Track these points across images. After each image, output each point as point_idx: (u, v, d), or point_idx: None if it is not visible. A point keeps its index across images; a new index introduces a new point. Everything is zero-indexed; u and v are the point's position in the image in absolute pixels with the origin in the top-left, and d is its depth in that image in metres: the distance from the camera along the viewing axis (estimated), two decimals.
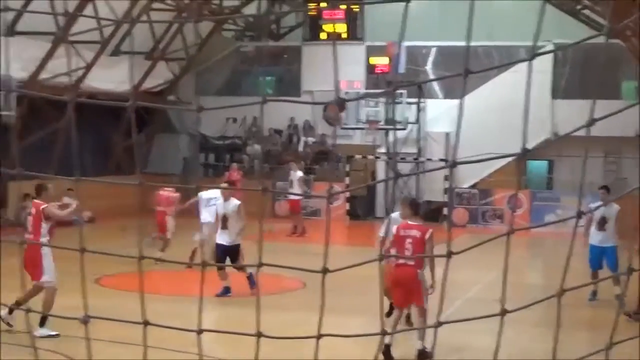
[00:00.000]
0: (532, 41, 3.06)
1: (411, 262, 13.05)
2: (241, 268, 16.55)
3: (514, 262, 3.50)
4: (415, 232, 13.20)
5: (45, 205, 14.28)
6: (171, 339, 11.36)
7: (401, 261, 13.03)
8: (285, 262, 3.62)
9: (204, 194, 19.60)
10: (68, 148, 31.36)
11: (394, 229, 13.39)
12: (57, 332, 12.70)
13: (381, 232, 15.18)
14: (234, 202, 17.39)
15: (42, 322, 13.00)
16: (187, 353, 10.36)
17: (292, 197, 30.87)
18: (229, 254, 16.60)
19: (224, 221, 17.11)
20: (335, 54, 3.37)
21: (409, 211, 13.74)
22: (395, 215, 14.79)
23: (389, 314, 14.24)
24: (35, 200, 14.64)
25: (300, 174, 30.88)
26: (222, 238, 16.97)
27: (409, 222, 13.48)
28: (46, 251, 13.77)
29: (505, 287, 3.31)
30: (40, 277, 13.54)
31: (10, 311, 12.90)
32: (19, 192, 29.65)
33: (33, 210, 14.38)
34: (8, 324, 12.88)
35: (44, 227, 14.16)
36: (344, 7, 39.07)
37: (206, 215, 19.08)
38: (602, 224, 17.91)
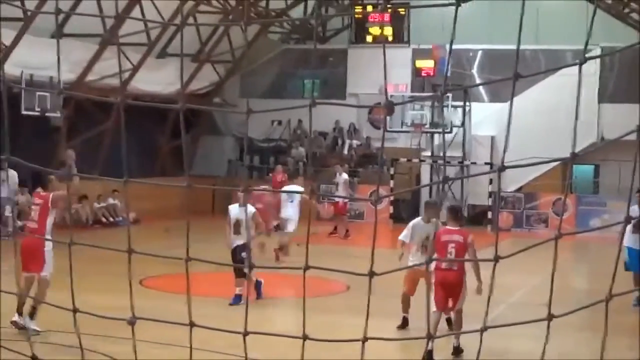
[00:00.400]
0: (579, 44, 3.03)
1: (455, 267, 13.17)
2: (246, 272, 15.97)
3: (558, 266, 3.47)
4: (457, 237, 13.41)
5: (54, 193, 14.26)
6: (214, 340, 11.41)
7: (445, 265, 13.15)
8: (329, 265, 3.61)
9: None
10: (113, 149, 31.61)
11: (430, 235, 13.83)
12: (40, 330, 12.73)
13: (403, 237, 15.26)
14: (250, 208, 16.89)
15: (32, 315, 13.04)
16: (230, 355, 10.38)
17: (337, 199, 30.87)
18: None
19: (236, 226, 16.88)
20: (385, 57, 3.36)
21: (450, 216, 14.02)
22: (417, 220, 15.26)
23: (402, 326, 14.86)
24: (42, 192, 14.59)
25: (345, 176, 30.94)
26: (235, 243, 16.86)
27: (450, 228, 13.65)
28: (49, 246, 13.81)
29: (552, 292, 3.28)
30: (41, 269, 13.54)
31: (31, 315, 12.96)
32: (75, 192, 29.93)
33: (40, 202, 14.40)
34: (36, 330, 12.84)
35: (49, 220, 14.14)
36: (390, 9, 39.05)
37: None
38: (637, 227, 17.60)
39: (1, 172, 25.43)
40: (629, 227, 17.26)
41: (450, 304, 13.36)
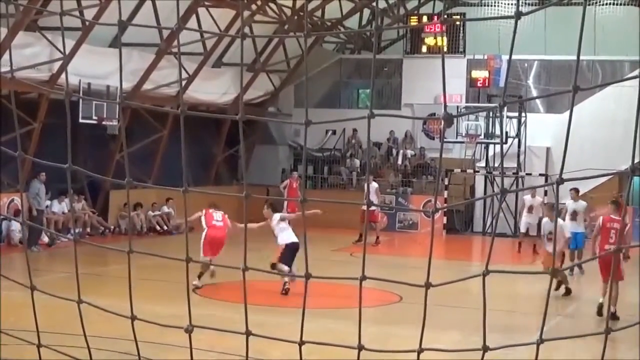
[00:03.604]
0: (637, 55, 3.00)
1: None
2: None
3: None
4: (617, 225, 17.24)
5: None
6: (270, 350, 11.44)
7: (606, 247, 16.83)
8: (382, 275, 3.61)
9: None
10: (167, 158, 31.86)
11: (599, 222, 17.70)
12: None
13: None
14: (275, 216, 19.42)
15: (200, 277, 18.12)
16: None
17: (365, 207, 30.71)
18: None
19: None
20: (444, 68, 3.36)
21: (613, 208, 17.99)
22: (564, 222, 21.75)
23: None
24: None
25: (375, 184, 30.93)
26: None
27: (613, 217, 17.49)
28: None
29: (609, 306, 3.25)
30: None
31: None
32: (119, 200, 30.24)
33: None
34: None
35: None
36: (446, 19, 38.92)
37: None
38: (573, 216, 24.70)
39: (40, 183, 25.74)
40: (567, 217, 24.28)
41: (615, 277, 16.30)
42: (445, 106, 3.21)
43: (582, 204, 25.23)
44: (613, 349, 12.58)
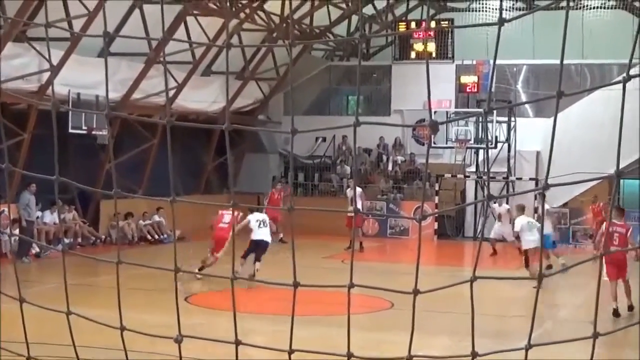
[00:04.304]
0: (625, 59, 3.02)
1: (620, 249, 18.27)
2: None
3: (604, 283, 3.45)
4: (620, 229, 18.53)
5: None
6: (260, 357, 11.42)
7: (614, 249, 18.09)
8: (373, 282, 3.62)
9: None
10: (158, 167, 31.84)
11: (603, 226, 19.81)
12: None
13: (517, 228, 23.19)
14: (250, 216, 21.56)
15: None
16: None
17: (351, 214, 30.62)
18: None
19: None
20: (428, 74, 3.38)
21: (616, 213, 19.21)
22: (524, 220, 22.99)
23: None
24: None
25: (359, 190, 30.83)
26: None
27: (616, 222, 18.63)
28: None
29: (597, 309, 3.27)
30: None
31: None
32: (110, 210, 30.19)
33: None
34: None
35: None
36: (434, 25, 38.98)
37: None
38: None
39: (30, 194, 25.67)
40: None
41: (620, 275, 17.86)
42: (431, 113, 3.23)
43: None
44: (613, 351, 12.58)
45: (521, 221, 23.47)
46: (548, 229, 25.56)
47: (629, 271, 18.21)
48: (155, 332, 3.88)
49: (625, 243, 18.57)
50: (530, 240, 22.87)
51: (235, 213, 21.76)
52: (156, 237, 31.41)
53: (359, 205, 29.79)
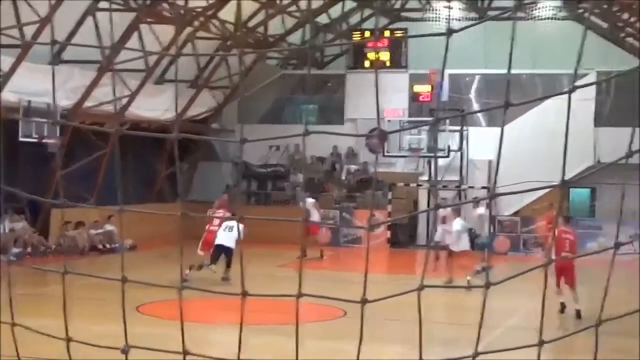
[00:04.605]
0: (575, 69, 3.06)
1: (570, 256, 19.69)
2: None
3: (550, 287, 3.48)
4: (570, 236, 19.77)
5: None
6: None
7: (563, 254, 19.16)
8: (325, 290, 3.62)
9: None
10: (111, 175, 31.61)
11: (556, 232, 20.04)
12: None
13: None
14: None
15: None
16: None
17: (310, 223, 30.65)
18: None
19: None
20: (377, 83, 3.39)
21: (563, 221, 20.18)
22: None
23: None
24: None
25: (311, 200, 30.95)
26: None
27: (565, 229, 19.86)
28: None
29: (542, 317, 3.29)
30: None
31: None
32: (61, 219, 29.88)
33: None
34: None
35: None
36: (388, 35, 39.15)
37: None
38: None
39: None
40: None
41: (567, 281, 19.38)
42: (379, 122, 3.24)
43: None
44: (561, 356, 12.69)
45: (456, 224, 24.41)
46: (484, 233, 26.86)
47: (577, 278, 19.14)
48: (104, 342, 3.85)
49: (575, 249, 19.66)
50: (461, 244, 24.28)
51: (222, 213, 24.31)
52: (107, 246, 31.14)
53: (316, 217, 29.97)
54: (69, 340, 3.80)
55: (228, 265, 23.02)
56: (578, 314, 19.24)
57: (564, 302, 19.79)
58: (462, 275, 22.83)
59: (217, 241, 22.87)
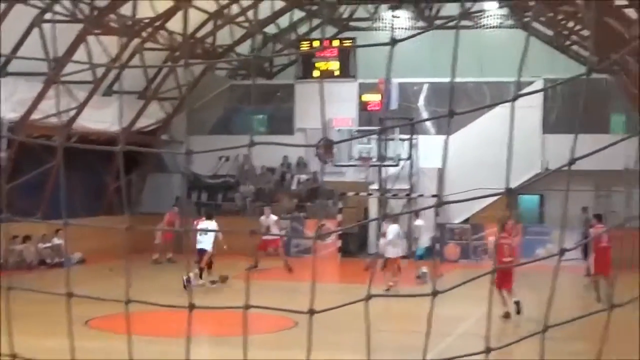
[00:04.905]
0: (522, 76, 3.09)
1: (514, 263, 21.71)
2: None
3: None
4: (507, 241, 20.80)
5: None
6: None
7: (504, 260, 20.42)
8: (276, 301, 3.61)
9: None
10: (59, 188, 31.24)
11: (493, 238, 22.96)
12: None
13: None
14: None
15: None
16: None
17: (266, 237, 30.56)
18: None
19: None
20: (322, 93, 3.40)
21: (499, 227, 21.72)
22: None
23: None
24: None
25: (274, 217, 30.82)
26: None
27: (502, 235, 21.11)
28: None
29: (489, 324, 3.31)
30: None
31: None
32: (6, 233, 29.49)
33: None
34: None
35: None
36: (336, 44, 39.24)
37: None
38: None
39: None
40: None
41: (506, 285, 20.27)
42: (325, 132, 3.24)
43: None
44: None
45: (393, 230, 25.06)
46: (425, 241, 28.19)
47: (522, 284, 20.33)
48: (52, 357, 3.82)
49: (515, 254, 21.26)
50: (396, 250, 25.06)
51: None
52: (56, 260, 30.77)
53: (276, 230, 30.22)
54: (14, 356, 3.76)
55: (209, 267, 24.76)
56: (518, 308, 20.46)
57: (508, 311, 20.35)
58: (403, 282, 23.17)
59: (198, 246, 24.20)
